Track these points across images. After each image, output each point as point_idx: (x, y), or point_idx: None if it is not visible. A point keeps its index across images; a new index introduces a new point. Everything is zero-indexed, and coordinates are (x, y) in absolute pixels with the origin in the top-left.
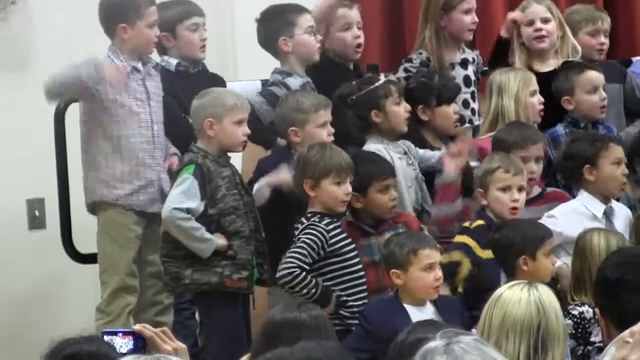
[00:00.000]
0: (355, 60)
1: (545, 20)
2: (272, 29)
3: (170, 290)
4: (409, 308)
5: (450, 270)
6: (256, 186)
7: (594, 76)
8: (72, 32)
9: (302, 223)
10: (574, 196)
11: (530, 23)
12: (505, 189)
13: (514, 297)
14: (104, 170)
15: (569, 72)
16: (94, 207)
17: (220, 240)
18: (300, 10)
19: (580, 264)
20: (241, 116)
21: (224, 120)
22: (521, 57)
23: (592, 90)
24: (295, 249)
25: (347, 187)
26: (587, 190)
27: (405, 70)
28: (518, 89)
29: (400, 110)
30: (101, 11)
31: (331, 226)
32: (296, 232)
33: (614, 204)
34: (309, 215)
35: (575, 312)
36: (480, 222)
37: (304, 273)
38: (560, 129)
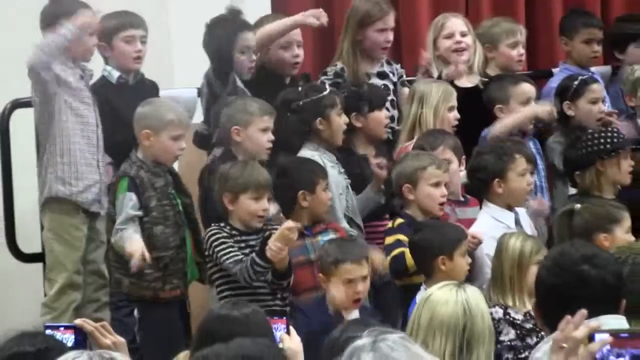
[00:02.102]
0: (291, 75)
1: (463, 34)
2: (213, 38)
3: (114, 292)
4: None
5: (397, 267)
6: None
7: (528, 88)
8: (20, 31)
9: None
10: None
11: (450, 36)
12: (437, 184)
13: (442, 297)
14: (60, 167)
15: (503, 82)
16: (45, 205)
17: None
18: (243, 27)
19: (496, 265)
20: (178, 132)
21: (161, 134)
22: (440, 70)
23: (526, 102)
24: (221, 251)
25: (264, 204)
26: (493, 201)
27: (321, 83)
28: (438, 102)
29: (340, 121)
30: (42, 19)
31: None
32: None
33: (517, 209)
34: (222, 225)
35: None
36: (401, 220)
37: (243, 262)
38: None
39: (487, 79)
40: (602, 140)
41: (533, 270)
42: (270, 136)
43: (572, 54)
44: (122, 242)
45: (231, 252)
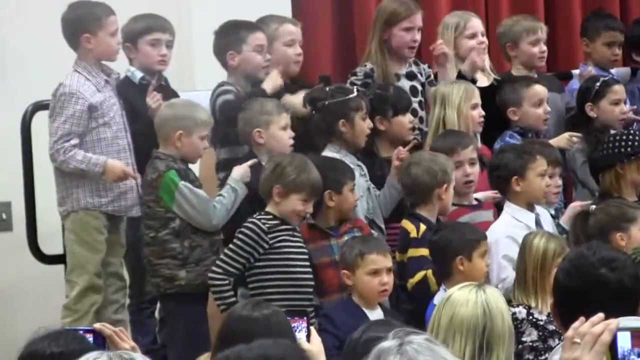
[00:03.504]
0: (293, 73)
1: (483, 34)
2: (224, 42)
3: (163, 292)
4: (364, 309)
5: (421, 293)
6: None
7: (540, 90)
8: (43, 35)
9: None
10: None
11: (473, 36)
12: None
13: (462, 298)
14: (89, 181)
15: (516, 85)
16: (70, 213)
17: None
18: (252, 28)
19: (519, 263)
20: (207, 132)
21: (193, 135)
22: (454, 72)
23: (538, 104)
24: (228, 252)
25: (310, 207)
26: (512, 200)
27: (351, 83)
28: (460, 101)
29: (364, 125)
30: (64, 25)
31: (275, 225)
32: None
33: (538, 209)
34: (262, 213)
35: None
36: (424, 227)
37: (227, 280)
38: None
39: (499, 78)
40: (622, 143)
41: (555, 271)
42: (290, 133)
43: (592, 55)
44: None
45: (233, 263)
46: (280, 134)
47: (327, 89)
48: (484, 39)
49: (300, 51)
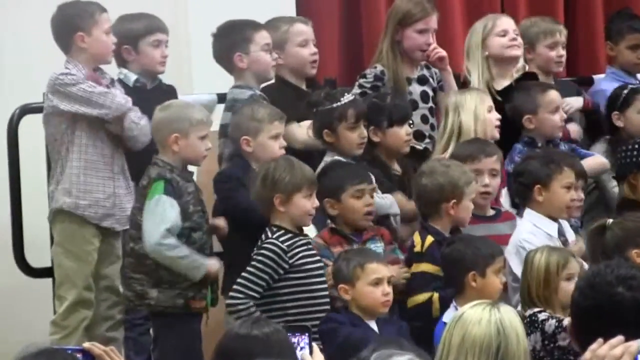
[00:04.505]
0: (311, 75)
1: (517, 32)
2: (228, 44)
3: (133, 306)
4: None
5: (426, 311)
6: None
7: (556, 96)
8: (30, 38)
9: (262, 239)
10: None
11: (503, 34)
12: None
13: (475, 317)
14: (68, 179)
15: (531, 91)
16: (54, 217)
17: (211, 262)
18: (257, 27)
19: (523, 283)
20: (206, 132)
21: (190, 136)
22: (484, 75)
23: (554, 110)
24: (247, 275)
25: (315, 201)
26: (534, 209)
27: (360, 86)
28: (476, 105)
29: (352, 136)
30: (55, 24)
31: (293, 242)
32: (256, 248)
33: (561, 221)
34: (274, 229)
35: None
36: (431, 239)
37: (250, 303)
38: (520, 147)
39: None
40: (634, 152)
41: (563, 286)
42: (282, 142)
43: (617, 59)
44: (193, 268)
45: (254, 287)
46: (269, 144)
47: (322, 94)
48: (517, 36)
49: (315, 50)
